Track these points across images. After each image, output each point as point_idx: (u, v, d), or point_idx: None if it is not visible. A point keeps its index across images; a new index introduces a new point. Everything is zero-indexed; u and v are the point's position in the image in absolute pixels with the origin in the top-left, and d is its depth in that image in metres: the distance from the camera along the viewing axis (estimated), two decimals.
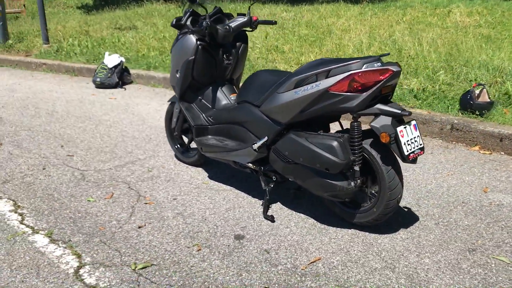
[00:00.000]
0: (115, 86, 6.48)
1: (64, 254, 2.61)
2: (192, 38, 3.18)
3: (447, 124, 4.13)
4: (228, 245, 2.64)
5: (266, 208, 2.96)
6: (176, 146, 3.79)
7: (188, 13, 3.23)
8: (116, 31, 10.10)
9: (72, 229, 2.86)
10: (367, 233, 2.72)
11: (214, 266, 2.46)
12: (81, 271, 2.45)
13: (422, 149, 2.54)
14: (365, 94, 2.44)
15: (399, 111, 2.45)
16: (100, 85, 6.49)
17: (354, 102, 2.46)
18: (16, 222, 2.98)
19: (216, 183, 3.45)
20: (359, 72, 2.42)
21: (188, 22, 3.22)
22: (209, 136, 3.31)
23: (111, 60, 6.56)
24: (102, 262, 2.52)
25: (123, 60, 6.67)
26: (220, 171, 3.62)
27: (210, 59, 3.23)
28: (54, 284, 2.35)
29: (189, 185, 3.42)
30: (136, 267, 2.47)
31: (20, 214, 3.07)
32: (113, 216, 3.01)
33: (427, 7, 8.80)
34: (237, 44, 3.33)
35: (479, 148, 3.91)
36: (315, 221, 2.87)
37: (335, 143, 2.53)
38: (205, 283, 2.33)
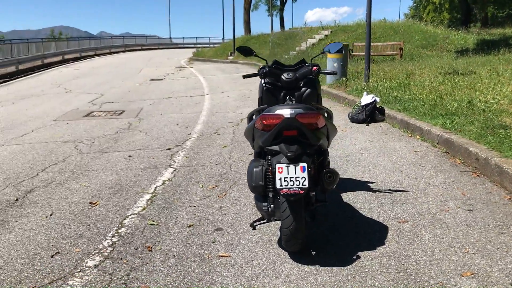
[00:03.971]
0: (362, 121, 7.40)
1: (141, 204, 4.17)
2: (262, 81, 4.11)
3: None
4: (204, 231, 3.57)
5: (259, 219, 3.65)
6: None
7: (271, 63, 4.15)
8: (445, 76, 10.57)
9: (168, 197, 4.35)
10: (288, 257, 3.07)
11: (178, 238, 3.49)
12: (132, 214, 3.96)
13: (303, 189, 2.78)
14: (268, 133, 2.96)
15: (286, 151, 2.84)
16: (351, 119, 7.56)
17: (263, 138, 3.00)
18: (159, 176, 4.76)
19: None
20: (264, 114, 2.96)
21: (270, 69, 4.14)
22: None
23: (366, 99, 7.50)
24: (144, 215, 3.94)
25: (377, 100, 7.47)
26: None
27: (272, 98, 4.05)
28: (112, 212, 3.95)
29: None
30: (148, 222, 3.78)
31: (171, 172, 4.85)
32: (192, 197, 4.32)
33: None
34: (303, 88, 4.00)
35: None
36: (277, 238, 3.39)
37: (254, 169, 3.09)
38: (155, 243, 3.43)
